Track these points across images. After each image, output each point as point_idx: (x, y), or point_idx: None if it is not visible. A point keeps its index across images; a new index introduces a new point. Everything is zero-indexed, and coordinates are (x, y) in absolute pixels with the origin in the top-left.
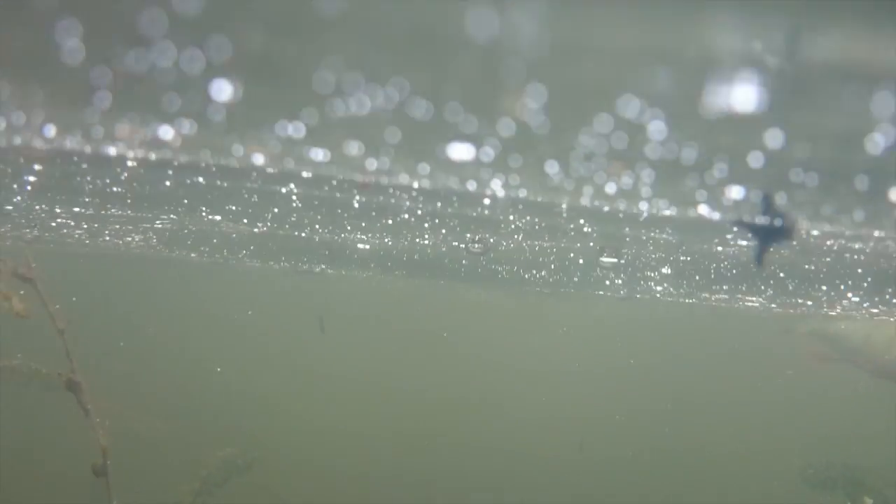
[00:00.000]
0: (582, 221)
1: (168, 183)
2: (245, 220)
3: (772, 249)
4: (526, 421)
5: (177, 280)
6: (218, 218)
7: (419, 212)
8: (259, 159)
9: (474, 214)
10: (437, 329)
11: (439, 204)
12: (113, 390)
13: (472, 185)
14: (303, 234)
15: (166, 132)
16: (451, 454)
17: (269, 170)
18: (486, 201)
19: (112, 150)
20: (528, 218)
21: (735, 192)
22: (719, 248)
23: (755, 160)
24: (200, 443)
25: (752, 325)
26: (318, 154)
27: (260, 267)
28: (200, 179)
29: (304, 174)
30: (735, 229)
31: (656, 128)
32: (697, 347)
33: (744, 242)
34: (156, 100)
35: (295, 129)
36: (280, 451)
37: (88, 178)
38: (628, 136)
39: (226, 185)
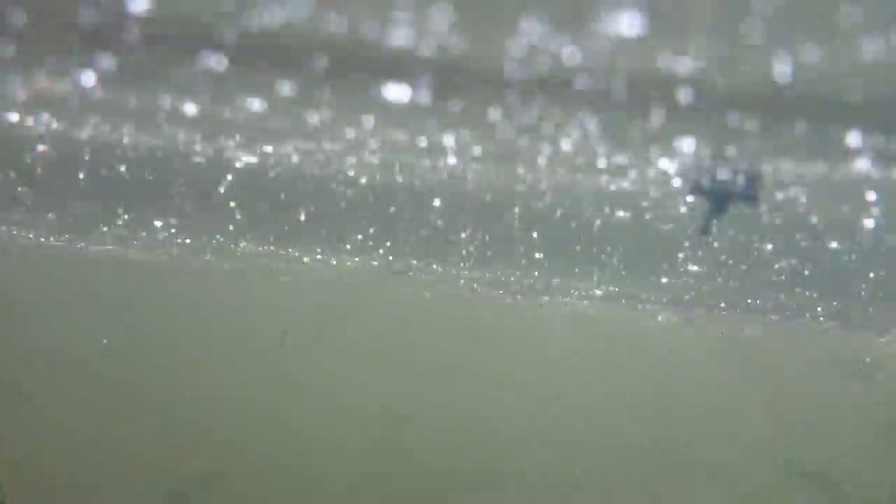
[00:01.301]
0: None
1: None
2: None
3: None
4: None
5: (150, 286)
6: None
7: None
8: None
9: None
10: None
11: None
12: (87, 398)
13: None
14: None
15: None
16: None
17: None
18: None
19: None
20: None
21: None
22: None
23: None
24: (170, 454)
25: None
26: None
27: (237, 270)
28: None
29: None
30: (691, 197)
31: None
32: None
33: None
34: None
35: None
36: (250, 465)
37: None
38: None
39: None
